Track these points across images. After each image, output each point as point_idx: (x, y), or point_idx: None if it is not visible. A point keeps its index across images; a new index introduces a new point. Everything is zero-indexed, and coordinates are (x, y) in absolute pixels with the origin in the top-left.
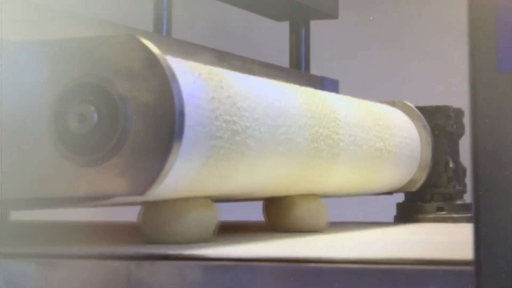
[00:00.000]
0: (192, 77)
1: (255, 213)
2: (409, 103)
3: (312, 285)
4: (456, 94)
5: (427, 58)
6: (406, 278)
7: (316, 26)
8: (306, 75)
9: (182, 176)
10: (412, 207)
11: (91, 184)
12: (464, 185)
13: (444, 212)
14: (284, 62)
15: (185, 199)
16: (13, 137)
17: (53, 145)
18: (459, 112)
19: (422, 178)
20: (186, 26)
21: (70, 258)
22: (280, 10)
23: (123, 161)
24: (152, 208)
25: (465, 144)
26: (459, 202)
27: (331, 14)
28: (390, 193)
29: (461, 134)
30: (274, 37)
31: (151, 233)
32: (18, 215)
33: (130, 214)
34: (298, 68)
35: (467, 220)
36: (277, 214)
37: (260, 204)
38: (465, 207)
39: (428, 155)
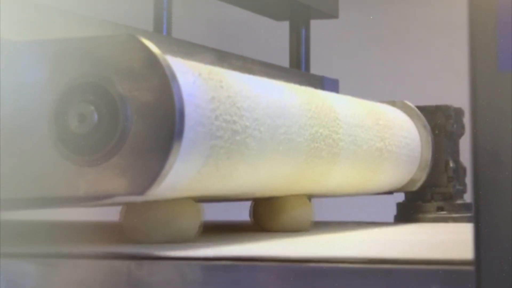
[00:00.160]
0: (192, 77)
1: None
2: (409, 103)
3: (313, 285)
4: (456, 94)
5: (427, 58)
6: (406, 278)
7: (316, 26)
8: (306, 74)
9: (182, 176)
10: (412, 206)
11: (91, 184)
12: (464, 185)
13: (444, 212)
14: (284, 62)
15: (168, 200)
16: (13, 137)
17: (53, 145)
18: (459, 112)
19: (422, 178)
20: (186, 26)
21: (70, 258)
22: (280, 9)
23: (123, 161)
24: (133, 207)
25: (465, 144)
26: (459, 201)
27: (331, 14)
28: (390, 192)
29: (461, 133)
30: (274, 37)
31: (130, 233)
32: (18, 215)
33: None
34: (298, 68)
35: (467, 220)
36: (265, 214)
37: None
38: (465, 207)
39: (428, 154)
